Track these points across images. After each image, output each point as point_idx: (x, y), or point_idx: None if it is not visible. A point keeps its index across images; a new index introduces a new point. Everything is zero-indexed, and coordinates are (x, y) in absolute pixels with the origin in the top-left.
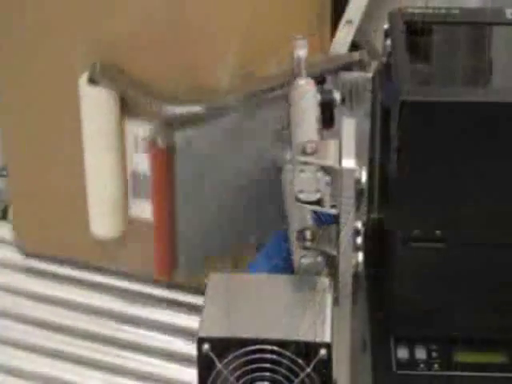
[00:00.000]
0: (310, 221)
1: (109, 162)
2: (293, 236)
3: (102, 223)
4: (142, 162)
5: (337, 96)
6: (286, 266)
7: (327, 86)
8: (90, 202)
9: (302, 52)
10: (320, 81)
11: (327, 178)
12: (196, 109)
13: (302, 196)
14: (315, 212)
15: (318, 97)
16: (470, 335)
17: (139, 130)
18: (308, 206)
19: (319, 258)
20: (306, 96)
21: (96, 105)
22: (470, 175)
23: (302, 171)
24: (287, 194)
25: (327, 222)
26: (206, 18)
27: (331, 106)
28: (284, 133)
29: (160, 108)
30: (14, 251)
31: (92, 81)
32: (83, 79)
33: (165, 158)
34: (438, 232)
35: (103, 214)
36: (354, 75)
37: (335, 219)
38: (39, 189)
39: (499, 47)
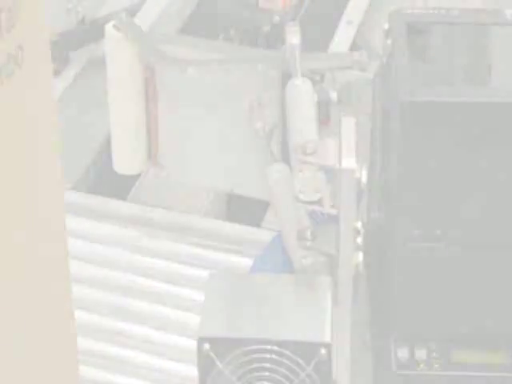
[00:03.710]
0: (308, 220)
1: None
2: (287, 236)
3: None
4: None
5: (333, 95)
6: (285, 266)
7: (324, 85)
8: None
9: (294, 39)
10: (316, 80)
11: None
12: None
13: (302, 196)
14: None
15: (315, 97)
16: (470, 335)
17: None
18: (308, 206)
19: (320, 258)
20: (303, 96)
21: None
22: (469, 175)
23: (301, 171)
24: (277, 194)
25: (321, 222)
26: None
27: (327, 105)
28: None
29: None
30: None
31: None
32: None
33: None
34: (438, 232)
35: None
36: (354, 75)
37: (335, 219)
38: None
39: (499, 47)
